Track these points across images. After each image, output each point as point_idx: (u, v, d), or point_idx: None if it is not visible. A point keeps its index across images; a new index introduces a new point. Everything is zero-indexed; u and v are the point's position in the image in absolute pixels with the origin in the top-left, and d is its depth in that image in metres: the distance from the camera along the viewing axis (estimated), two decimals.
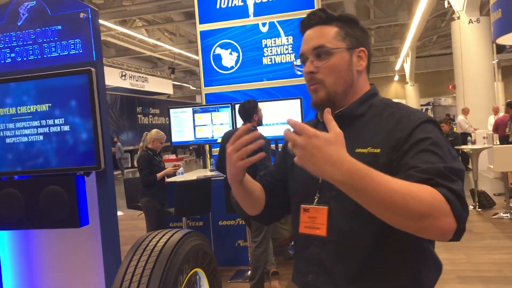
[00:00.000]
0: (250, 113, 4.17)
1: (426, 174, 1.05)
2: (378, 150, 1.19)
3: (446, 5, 14.04)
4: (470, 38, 12.48)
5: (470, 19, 12.39)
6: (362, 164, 1.02)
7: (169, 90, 23.69)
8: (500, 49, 14.54)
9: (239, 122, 6.07)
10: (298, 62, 1.37)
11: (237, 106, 6.21)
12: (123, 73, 18.94)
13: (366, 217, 1.12)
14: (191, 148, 23.70)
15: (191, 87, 30.85)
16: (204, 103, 7.80)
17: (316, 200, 1.27)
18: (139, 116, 19.86)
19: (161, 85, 22.55)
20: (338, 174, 1.01)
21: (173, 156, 13.34)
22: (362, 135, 1.25)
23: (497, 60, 12.75)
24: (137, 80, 19.88)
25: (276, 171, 1.48)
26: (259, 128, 4.26)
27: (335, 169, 1.01)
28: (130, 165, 19.25)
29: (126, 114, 19.06)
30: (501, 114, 12.61)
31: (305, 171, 1.25)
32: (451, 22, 14.38)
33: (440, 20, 21.34)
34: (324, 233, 1.23)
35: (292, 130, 1.06)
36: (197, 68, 24.45)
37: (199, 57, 7.94)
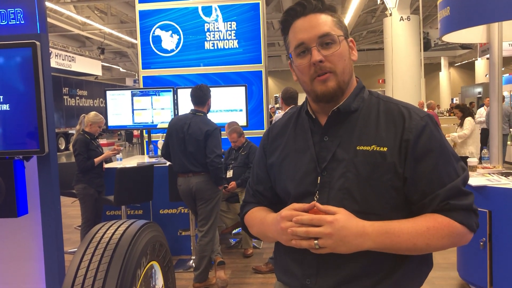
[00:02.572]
0: (206, 98, 4.03)
1: (444, 199, 1.16)
2: (385, 149, 1.17)
3: (378, 1, 14.53)
4: (400, 34, 13.04)
5: (401, 17, 12.93)
6: (377, 222, 1.13)
7: (98, 71, 22.56)
8: (426, 47, 15.36)
9: (182, 107, 5.89)
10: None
11: (180, 91, 6.02)
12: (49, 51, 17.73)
13: (371, 217, 1.15)
14: (119, 133, 22.79)
15: (121, 69, 29.68)
16: (141, 86, 7.49)
17: (316, 200, 1.20)
18: (65, 97, 18.71)
19: (89, 66, 21.40)
20: (369, 242, 1.11)
21: (103, 141, 12.74)
22: (362, 132, 1.21)
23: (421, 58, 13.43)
24: (63, 59, 18.70)
25: (268, 182, 1.37)
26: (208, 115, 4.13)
27: (365, 239, 1.11)
28: None
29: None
30: (425, 110, 13.36)
31: (298, 169, 1.27)
32: (382, 18, 14.94)
33: (371, 16, 22.12)
34: None
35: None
36: (128, 50, 23.55)
37: (137, 38, 7.61)
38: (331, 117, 1.24)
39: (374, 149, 1.17)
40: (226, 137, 5.40)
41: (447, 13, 3.60)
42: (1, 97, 2.40)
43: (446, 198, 1.15)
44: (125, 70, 29.92)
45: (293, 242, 1.13)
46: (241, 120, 5.97)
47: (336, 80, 1.20)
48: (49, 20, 17.17)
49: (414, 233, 1.12)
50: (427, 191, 1.16)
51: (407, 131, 1.17)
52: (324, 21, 1.21)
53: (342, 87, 1.22)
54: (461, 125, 7.27)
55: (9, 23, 2.49)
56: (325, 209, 1.12)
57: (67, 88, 18.99)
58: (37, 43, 2.39)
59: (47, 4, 13.98)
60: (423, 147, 1.16)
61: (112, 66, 29.08)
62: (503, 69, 4.28)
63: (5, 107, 2.40)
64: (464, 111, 7.32)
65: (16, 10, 2.48)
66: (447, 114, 17.70)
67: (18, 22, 2.49)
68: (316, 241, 1.09)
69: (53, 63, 17.99)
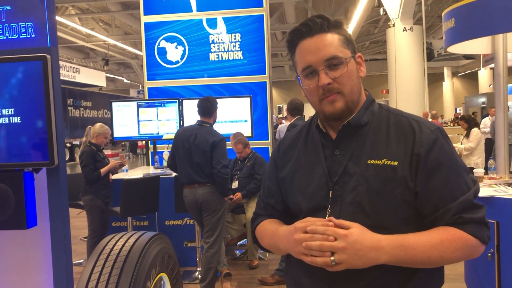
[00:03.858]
0: (213, 109, 4.06)
1: (457, 212, 1.16)
2: (396, 163, 1.18)
3: (381, 12, 14.59)
4: (403, 45, 13.06)
5: (404, 27, 12.96)
6: (392, 235, 1.13)
7: (102, 83, 22.70)
8: (429, 57, 15.39)
9: (187, 118, 5.91)
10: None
11: (185, 102, 6.05)
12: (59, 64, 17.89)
13: (383, 231, 1.15)
14: (123, 143, 22.84)
15: (125, 80, 29.83)
16: (146, 97, 7.54)
17: (327, 214, 1.21)
18: (69, 108, 18.80)
19: (93, 77, 21.54)
20: (385, 255, 1.11)
21: (108, 151, 12.75)
22: (373, 145, 1.22)
23: (424, 68, 13.44)
24: (68, 71, 18.83)
25: (280, 195, 1.38)
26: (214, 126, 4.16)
27: (380, 253, 1.11)
28: None
29: None
30: (429, 120, 13.37)
31: (310, 183, 1.27)
32: (385, 29, 15.01)
33: (373, 27, 22.22)
34: None
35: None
36: (132, 61, 23.69)
37: (142, 50, 7.67)
38: (342, 131, 1.25)
39: (385, 163, 1.18)
40: (231, 147, 5.42)
41: (452, 25, 3.62)
42: (13, 109, 2.42)
43: (459, 211, 1.16)
44: (129, 81, 30.06)
45: (308, 259, 1.13)
46: (246, 130, 5.99)
47: (344, 100, 1.22)
48: None
49: (429, 246, 1.12)
50: (439, 204, 1.17)
51: (417, 145, 1.18)
52: (330, 42, 1.21)
53: (350, 107, 1.23)
54: (467, 136, 7.23)
55: (20, 37, 2.52)
56: (339, 223, 1.12)
57: (71, 99, 19.09)
58: (48, 56, 2.42)
59: None
60: (434, 161, 1.17)
61: (116, 77, 29.23)
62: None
63: (16, 119, 2.42)
64: (469, 122, 7.29)
65: (27, 24, 2.51)
66: (451, 124, 17.69)
67: (29, 36, 2.52)
68: (332, 258, 1.09)
69: None
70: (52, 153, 2.45)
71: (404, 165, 1.17)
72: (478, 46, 4.26)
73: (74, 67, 19.61)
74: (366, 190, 1.18)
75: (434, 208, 1.17)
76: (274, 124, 16.46)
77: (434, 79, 29.86)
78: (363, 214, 1.17)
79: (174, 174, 4.56)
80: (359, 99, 1.27)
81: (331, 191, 1.22)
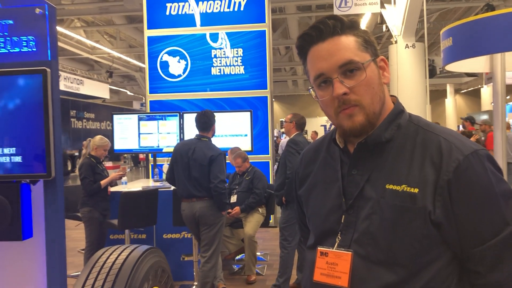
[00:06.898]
0: (211, 124, 4.08)
1: (478, 263, 1.01)
2: (416, 190, 1.02)
3: (384, 29, 14.70)
4: (406, 62, 13.15)
5: (407, 44, 13.05)
6: None
7: (106, 95, 22.86)
8: (431, 74, 15.46)
9: (188, 131, 5.94)
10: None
11: (186, 116, 6.08)
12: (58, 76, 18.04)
13: (398, 269, 1.02)
14: (125, 155, 22.88)
15: (128, 93, 30.00)
16: (148, 110, 7.60)
17: (337, 242, 1.09)
18: (72, 120, 18.92)
19: (97, 89, 21.70)
20: None
21: (109, 164, 12.79)
22: (393, 167, 1.06)
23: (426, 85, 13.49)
24: (71, 82, 18.98)
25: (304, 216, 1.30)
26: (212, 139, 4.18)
27: None
28: None
29: None
30: None
31: (324, 203, 1.16)
32: (388, 45, 15.11)
33: (377, 43, 22.33)
34: (346, 284, 1.05)
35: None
36: (136, 74, 23.86)
37: (145, 63, 7.76)
38: (358, 149, 1.11)
39: (404, 190, 1.02)
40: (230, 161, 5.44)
41: (450, 43, 3.65)
42: (12, 121, 2.45)
43: (481, 262, 1.01)
44: (132, 94, 30.24)
45: None
46: (246, 145, 6.01)
47: (364, 113, 1.06)
48: (59, 44, 17.51)
49: None
50: (463, 246, 1.02)
51: (444, 171, 1.01)
52: (345, 46, 1.07)
53: (371, 120, 1.08)
54: None
55: (22, 50, 2.56)
56: None
57: (74, 111, 19.22)
58: (48, 70, 2.45)
59: (58, 28, 14.27)
60: (460, 192, 1.00)
61: (120, 89, 29.42)
62: (508, 97, 4.30)
63: (15, 131, 2.45)
64: (468, 137, 7.27)
65: (29, 38, 2.55)
66: None
67: (30, 50, 2.55)
68: None
69: (62, 86, 18.27)
70: (50, 165, 2.47)
71: (425, 193, 1.01)
72: (476, 64, 4.29)
73: (78, 79, 19.77)
74: (380, 219, 1.03)
75: (460, 248, 1.02)
76: (275, 138, 16.49)
77: (437, 96, 29.92)
78: (376, 248, 1.03)
79: (172, 188, 4.57)
80: (382, 110, 1.10)
81: (344, 216, 1.09)
